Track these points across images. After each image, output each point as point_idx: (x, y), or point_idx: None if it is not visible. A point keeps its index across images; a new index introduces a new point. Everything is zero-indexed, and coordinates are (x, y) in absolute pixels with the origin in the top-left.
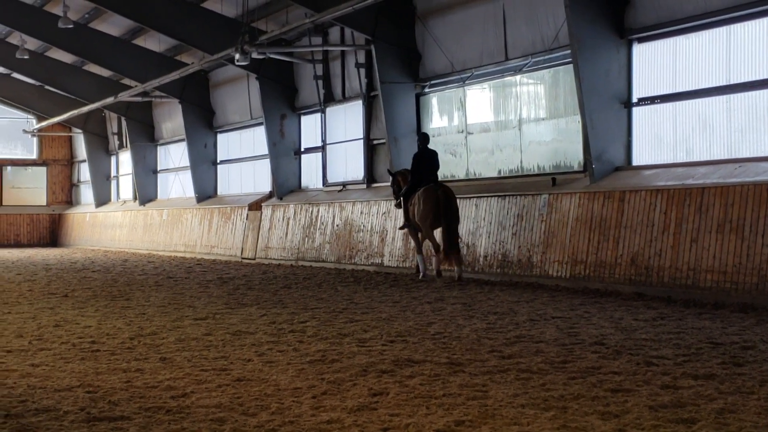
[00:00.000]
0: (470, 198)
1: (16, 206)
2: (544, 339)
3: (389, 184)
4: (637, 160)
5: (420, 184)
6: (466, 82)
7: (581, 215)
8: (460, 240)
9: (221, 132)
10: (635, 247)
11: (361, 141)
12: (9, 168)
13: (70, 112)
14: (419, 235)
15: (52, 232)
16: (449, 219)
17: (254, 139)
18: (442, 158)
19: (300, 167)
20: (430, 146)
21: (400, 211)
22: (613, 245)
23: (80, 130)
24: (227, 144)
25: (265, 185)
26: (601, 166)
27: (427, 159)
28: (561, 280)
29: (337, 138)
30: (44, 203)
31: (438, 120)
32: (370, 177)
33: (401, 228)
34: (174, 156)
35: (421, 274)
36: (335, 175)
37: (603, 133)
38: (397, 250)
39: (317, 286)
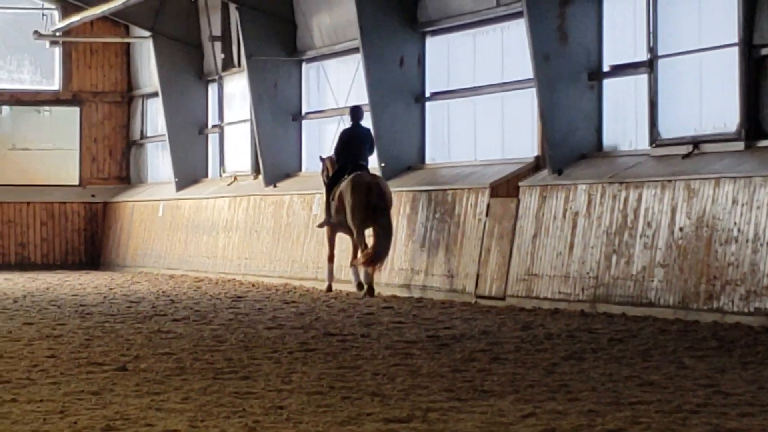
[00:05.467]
0: None
1: (20, 187)
2: None
3: (320, 172)
4: None
5: (344, 172)
6: None
7: None
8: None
9: (433, 33)
10: None
11: (734, 49)
12: (6, 109)
13: None
14: (352, 238)
15: (89, 240)
16: (380, 216)
17: (502, 47)
18: None
19: (600, 105)
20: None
21: None
22: None
23: (147, 33)
24: (446, 57)
25: (526, 145)
26: None
27: (356, 139)
28: None
29: (682, 43)
30: (75, 181)
31: None
32: (753, 125)
33: (320, 226)
34: (336, 83)
35: (355, 283)
36: (677, 122)
37: None
38: None
39: (640, 357)
